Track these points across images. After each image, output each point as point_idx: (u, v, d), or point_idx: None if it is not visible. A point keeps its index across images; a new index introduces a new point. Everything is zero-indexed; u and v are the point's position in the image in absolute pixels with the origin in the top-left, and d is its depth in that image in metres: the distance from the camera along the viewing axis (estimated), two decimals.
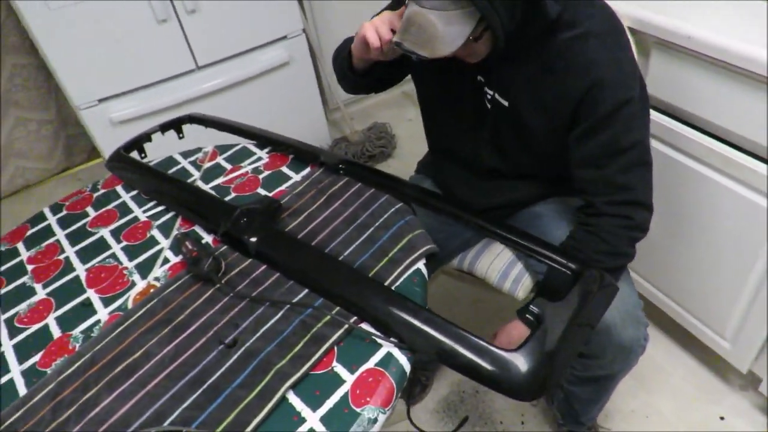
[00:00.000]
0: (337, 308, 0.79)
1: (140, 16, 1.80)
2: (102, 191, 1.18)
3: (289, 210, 1.00)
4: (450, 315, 0.74)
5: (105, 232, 1.05)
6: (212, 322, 0.81)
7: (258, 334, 0.77)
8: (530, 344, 0.72)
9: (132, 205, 1.12)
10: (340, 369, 0.72)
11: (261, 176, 1.13)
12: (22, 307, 0.92)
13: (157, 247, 0.99)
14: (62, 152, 2.65)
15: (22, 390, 0.78)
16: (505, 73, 0.94)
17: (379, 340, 0.74)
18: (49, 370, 0.79)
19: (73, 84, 1.82)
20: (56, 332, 0.86)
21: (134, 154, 1.24)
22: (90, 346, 0.80)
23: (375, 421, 0.67)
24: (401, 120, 2.70)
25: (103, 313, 0.88)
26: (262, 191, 1.09)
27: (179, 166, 1.22)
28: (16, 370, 0.81)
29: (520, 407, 1.46)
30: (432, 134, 1.21)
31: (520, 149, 1.02)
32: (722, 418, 1.36)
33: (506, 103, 0.97)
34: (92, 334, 0.84)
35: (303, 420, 0.67)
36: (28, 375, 0.80)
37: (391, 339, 0.74)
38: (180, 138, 1.33)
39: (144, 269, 0.95)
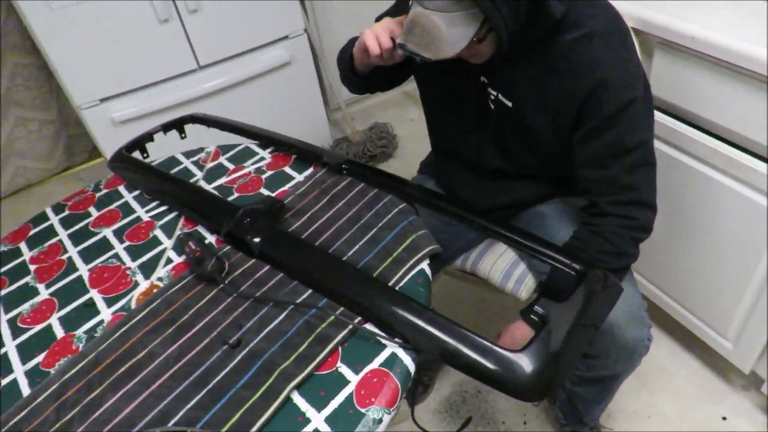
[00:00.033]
0: (341, 308, 0.79)
1: (142, 15, 1.80)
2: (104, 191, 1.18)
3: (293, 210, 1.00)
4: (452, 315, 0.74)
5: (108, 232, 1.05)
6: (216, 322, 0.80)
7: (262, 335, 0.77)
8: (535, 345, 0.71)
9: (134, 205, 1.11)
10: (344, 369, 0.72)
11: (264, 176, 1.13)
12: (25, 307, 0.92)
13: (160, 247, 0.99)
14: (63, 152, 2.65)
15: (25, 390, 0.77)
16: (509, 73, 0.94)
17: (383, 341, 0.74)
18: (52, 371, 0.79)
19: (74, 84, 1.82)
20: (59, 332, 0.86)
21: (136, 155, 1.24)
22: (94, 347, 0.80)
23: (380, 421, 0.66)
24: (402, 120, 2.70)
25: (106, 314, 0.87)
26: (264, 191, 1.09)
27: (181, 166, 1.22)
28: (19, 370, 0.81)
29: (522, 407, 1.46)
30: (435, 135, 1.21)
31: (524, 150, 1.02)
32: (724, 419, 1.36)
33: (510, 104, 0.96)
34: (96, 335, 0.84)
35: (308, 420, 0.67)
36: (32, 375, 0.80)
37: (396, 339, 0.74)
38: (182, 138, 1.33)
39: (147, 269, 0.94)
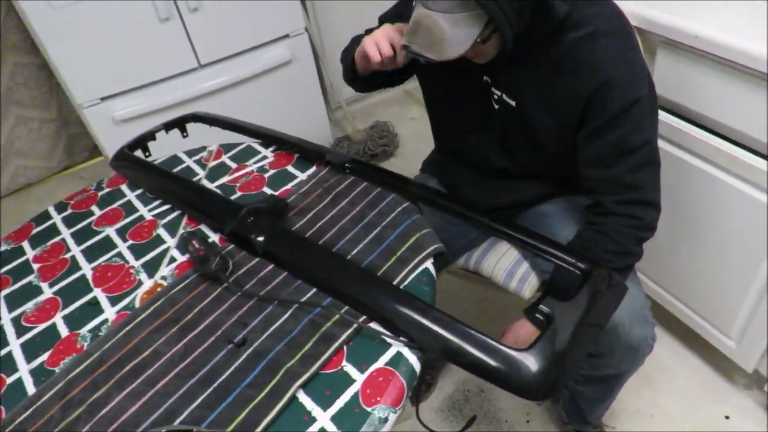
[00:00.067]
0: (346, 307, 0.78)
1: (143, 14, 1.80)
2: (107, 190, 1.17)
3: (296, 209, 1.00)
4: (455, 314, 0.74)
5: (110, 231, 1.05)
6: (220, 321, 0.80)
7: (267, 334, 0.77)
8: (541, 344, 0.71)
9: (137, 203, 1.11)
10: (349, 368, 0.72)
11: (266, 175, 1.13)
12: (29, 306, 0.92)
13: (164, 246, 0.98)
14: (63, 151, 2.64)
15: (30, 389, 0.77)
16: (513, 73, 0.94)
17: (388, 340, 0.74)
18: (57, 369, 0.79)
19: (75, 82, 1.81)
20: (64, 331, 0.86)
21: (138, 153, 1.24)
22: (98, 345, 0.80)
23: (386, 420, 0.66)
24: (404, 119, 2.70)
25: (110, 312, 0.87)
26: (267, 190, 1.09)
27: (184, 165, 1.21)
28: (24, 369, 0.81)
29: (525, 406, 1.46)
30: (438, 135, 1.21)
31: (528, 149, 1.02)
32: (727, 417, 1.36)
33: (514, 104, 0.96)
34: (100, 333, 0.84)
35: (314, 419, 0.67)
36: (37, 374, 0.79)
37: (401, 338, 0.74)
38: (184, 137, 1.33)
39: (151, 268, 0.94)
